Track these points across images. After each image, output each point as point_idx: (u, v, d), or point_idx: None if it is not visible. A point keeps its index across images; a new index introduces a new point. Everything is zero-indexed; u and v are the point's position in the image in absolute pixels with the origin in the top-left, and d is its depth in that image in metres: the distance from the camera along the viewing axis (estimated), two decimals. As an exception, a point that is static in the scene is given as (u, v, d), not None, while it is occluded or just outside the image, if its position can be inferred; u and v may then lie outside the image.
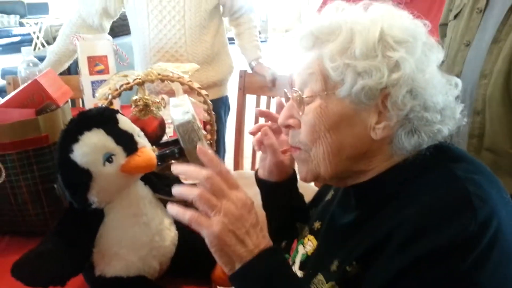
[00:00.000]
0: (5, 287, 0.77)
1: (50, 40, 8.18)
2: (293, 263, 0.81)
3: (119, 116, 0.76)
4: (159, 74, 0.98)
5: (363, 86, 0.62)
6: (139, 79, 0.97)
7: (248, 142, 2.17)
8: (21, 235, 1.00)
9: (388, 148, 0.67)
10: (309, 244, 0.81)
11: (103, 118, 0.73)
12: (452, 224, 0.56)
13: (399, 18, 0.66)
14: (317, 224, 0.82)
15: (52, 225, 0.78)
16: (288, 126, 0.72)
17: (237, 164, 2.16)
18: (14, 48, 8.20)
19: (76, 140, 0.70)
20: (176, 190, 0.63)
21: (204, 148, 0.64)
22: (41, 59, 1.92)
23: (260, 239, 0.62)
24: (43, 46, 8.06)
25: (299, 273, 0.78)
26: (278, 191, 0.90)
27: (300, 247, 0.83)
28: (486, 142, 1.04)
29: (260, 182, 0.91)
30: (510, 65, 0.97)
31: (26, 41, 8.27)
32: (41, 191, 0.98)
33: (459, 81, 0.69)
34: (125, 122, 0.76)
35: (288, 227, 0.91)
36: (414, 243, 0.57)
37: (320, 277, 0.69)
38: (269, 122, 0.89)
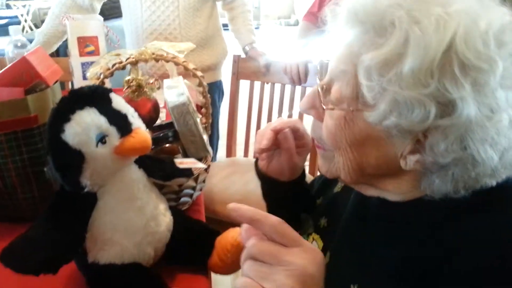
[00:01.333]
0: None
1: (38, 23, 7.99)
2: None
3: (112, 95, 0.72)
4: (153, 54, 0.94)
5: (396, 124, 0.49)
6: (133, 58, 0.93)
7: (241, 128, 2.14)
8: (9, 221, 0.97)
9: (417, 180, 0.55)
10: (314, 245, 0.73)
11: (96, 96, 0.70)
12: None
13: (486, 22, 0.46)
14: (323, 221, 0.75)
15: (42, 210, 0.75)
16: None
17: (230, 150, 2.13)
18: (1, 31, 8.02)
19: (67, 119, 0.66)
20: None
21: (237, 206, 0.50)
22: (20, 48, 1.86)
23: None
24: (31, 29, 7.88)
25: None
26: (285, 189, 0.81)
27: None
28: None
29: (265, 178, 0.81)
30: None
31: (14, 23, 8.01)
32: (30, 174, 0.95)
33: None
34: (119, 102, 0.73)
35: (291, 218, 0.85)
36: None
37: None
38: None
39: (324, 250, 0.70)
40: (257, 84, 2.04)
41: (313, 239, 0.75)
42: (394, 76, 0.47)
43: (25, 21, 7.74)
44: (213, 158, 2.20)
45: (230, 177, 1.87)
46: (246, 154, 2.12)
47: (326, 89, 0.57)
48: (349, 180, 0.60)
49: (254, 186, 1.67)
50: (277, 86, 1.98)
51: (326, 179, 0.84)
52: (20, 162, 0.93)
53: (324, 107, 0.57)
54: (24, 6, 8.08)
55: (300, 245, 0.49)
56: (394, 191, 0.58)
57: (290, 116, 1.97)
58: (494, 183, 0.52)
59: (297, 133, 0.75)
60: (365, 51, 0.49)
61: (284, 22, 9.70)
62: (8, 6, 8.23)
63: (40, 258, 0.67)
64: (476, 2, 0.48)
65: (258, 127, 2.04)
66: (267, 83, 2.02)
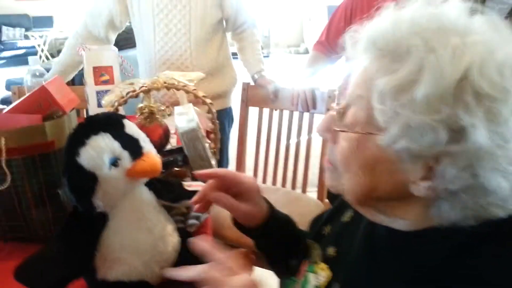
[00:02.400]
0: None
1: (54, 53, 8.27)
2: None
3: (125, 121, 0.77)
4: (165, 82, 0.99)
5: (406, 147, 0.49)
6: (145, 86, 0.98)
7: (250, 153, 2.18)
8: (24, 241, 1.00)
9: (426, 207, 0.55)
10: (321, 275, 0.72)
11: (110, 122, 0.74)
12: None
13: (505, 50, 0.47)
14: (331, 251, 0.73)
15: (55, 231, 0.79)
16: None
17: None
18: (19, 60, 8.28)
19: (83, 143, 0.71)
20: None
21: (199, 241, 0.62)
22: (38, 77, 1.94)
23: None
24: (48, 59, 8.15)
25: None
26: (260, 234, 0.81)
27: (311, 276, 0.74)
28: None
29: (240, 230, 0.83)
30: None
31: (31, 53, 8.34)
32: (45, 197, 0.99)
33: None
34: (131, 127, 0.77)
35: (292, 252, 0.83)
36: None
37: None
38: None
39: (332, 281, 0.69)
40: (266, 110, 2.09)
41: (321, 269, 0.74)
42: (407, 101, 0.48)
43: (42, 50, 8.03)
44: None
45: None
46: (254, 176, 2.15)
47: (342, 113, 0.58)
48: (355, 202, 0.60)
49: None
50: (286, 113, 2.03)
51: (335, 207, 0.82)
52: (37, 184, 0.97)
53: (339, 129, 0.58)
54: (41, 36, 8.39)
55: (238, 273, 0.59)
56: (401, 217, 0.58)
57: (298, 142, 2.00)
58: (503, 215, 0.51)
59: (227, 183, 0.76)
60: (380, 76, 0.51)
61: (293, 51, 9.86)
62: (26, 37, 8.55)
63: (51, 274, 0.70)
64: (495, 33, 0.49)
65: (267, 152, 2.08)
66: (276, 109, 2.06)
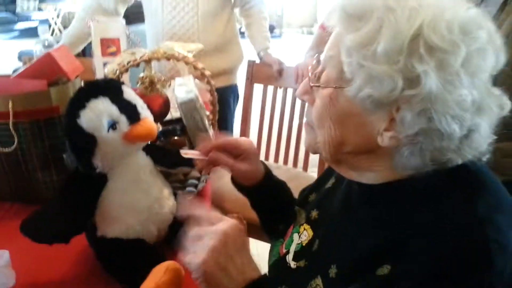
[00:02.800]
0: (16, 249, 0.82)
1: (68, 26, 8.29)
2: (288, 252, 0.79)
3: (124, 87, 0.81)
4: (165, 53, 1.02)
5: (369, 95, 0.56)
6: (146, 56, 1.01)
7: (254, 131, 2.21)
8: (29, 202, 1.06)
9: (391, 158, 0.60)
10: (304, 234, 0.79)
11: (109, 87, 0.78)
12: (468, 274, 0.52)
13: (452, 11, 0.54)
14: (314, 213, 0.80)
15: (54, 196, 0.83)
16: (303, 100, 0.70)
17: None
18: (32, 32, 8.33)
19: (83, 106, 0.75)
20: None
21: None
22: (47, 47, 1.98)
23: (245, 266, 0.63)
24: (60, 32, 8.17)
25: (293, 264, 0.76)
26: (256, 193, 0.88)
27: (295, 236, 0.81)
28: None
29: (238, 188, 0.90)
30: None
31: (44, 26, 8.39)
32: (50, 160, 1.04)
33: (507, 103, 0.59)
34: (129, 93, 0.81)
35: (282, 215, 0.90)
36: (428, 283, 0.53)
37: (318, 281, 0.67)
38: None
39: (313, 238, 0.75)
40: (270, 88, 2.11)
41: (304, 229, 0.80)
42: (369, 54, 0.54)
43: (55, 23, 8.04)
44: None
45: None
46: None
47: (318, 76, 0.65)
48: (329, 157, 0.66)
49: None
50: (290, 91, 2.05)
51: (320, 178, 0.89)
52: (42, 148, 1.02)
53: (313, 84, 0.65)
54: (55, 9, 8.40)
55: (221, 219, 0.65)
56: (370, 170, 0.64)
57: (301, 122, 2.03)
58: (459, 161, 0.57)
59: (227, 147, 0.83)
60: (347, 33, 0.57)
61: (306, 31, 9.76)
62: (39, 9, 8.57)
63: (53, 229, 0.75)
64: None
65: (270, 129, 2.11)
66: (280, 87, 2.08)
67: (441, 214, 0.56)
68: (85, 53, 2.55)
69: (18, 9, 8.55)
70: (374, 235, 0.61)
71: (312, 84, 0.65)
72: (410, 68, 0.52)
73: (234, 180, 0.88)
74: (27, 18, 8.56)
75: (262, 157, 2.15)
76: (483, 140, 0.57)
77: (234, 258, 0.63)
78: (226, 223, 0.64)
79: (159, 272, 0.71)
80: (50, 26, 8.08)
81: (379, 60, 0.54)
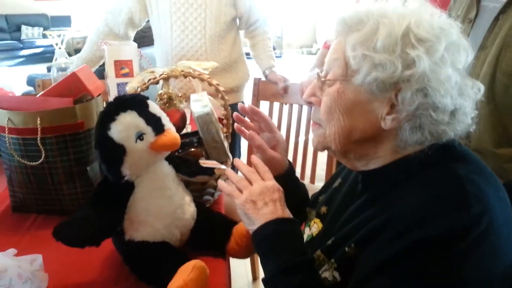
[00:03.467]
0: (47, 254, 0.87)
1: (71, 51, 8.46)
2: None
3: (149, 101, 0.88)
4: (182, 71, 1.09)
5: (375, 77, 0.67)
6: (165, 74, 1.08)
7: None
8: (54, 214, 1.11)
9: (394, 140, 0.71)
10: (314, 227, 0.89)
11: (136, 102, 0.85)
12: (447, 217, 0.61)
13: (430, 16, 0.69)
14: (323, 209, 0.90)
15: (83, 204, 0.88)
16: (310, 103, 0.80)
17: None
18: (37, 58, 8.50)
19: (113, 119, 0.81)
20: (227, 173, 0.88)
21: (240, 162, 0.87)
22: (63, 70, 2.07)
23: (278, 210, 0.78)
24: (66, 58, 8.33)
25: None
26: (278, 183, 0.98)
27: (307, 229, 0.91)
28: (473, 143, 1.11)
29: None
30: (494, 69, 1.06)
31: (49, 52, 8.57)
32: (74, 173, 1.10)
33: (481, 86, 0.72)
34: (154, 107, 0.88)
35: (296, 212, 0.96)
36: (411, 230, 0.62)
37: (318, 252, 0.78)
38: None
39: (323, 230, 0.86)
40: (276, 105, 2.18)
41: (314, 222, 0.90)
42: (371, 47, 0.68)
43: (59, 49, 8.21)
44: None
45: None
46: (264, 171, 2.24)
47: (324, 80, 0.76)
48: (338, 148, 0.76)
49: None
50: (295, 107, 2.12)
51: (328, 181, 0.99)
52: (67, 161, 1.08)
53: (322, 92, 0.76)
54: (59, 35, 8.59)
55: (268, 178, 0.82)
56: (374, 155, 0.75)
57: (307, 139, 2.09)
58: (452, 134, 0.70)
59: (268, 131, 0.99)
60: (350, 34, 0.71)
61: (306, 51, 9.93)
62: (44, 36, 8.76)
63: (85, 233, 0.81)
64: (420, 6, 0.72)
65: (276, 145, 2.17)
66: (286, 104, 2.16)
67: (426, 179, 0.68)
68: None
69: (23, 36, 8.75)
70: (371, 209, 0.72)
71: (323, 79, 0.75)
72: (405, 55, 0.66)
73: None
74: (31, 45, 8.75)
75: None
76: (468, 115, 0.70)
77: (276, 202, 0.78)
78: (268, 180, 0.81)
79: (187, 270, 0.76)
80: (54, 51, 8.26)
81: (379, 51, 0.67)
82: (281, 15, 9.44)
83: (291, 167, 1.01)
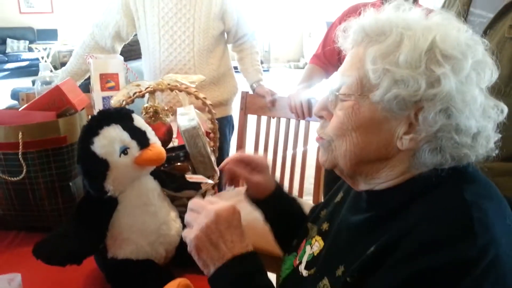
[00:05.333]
0: (27, 272, 0.84)
1: (57, 65, 8.40)
2: (300, 262, 0.84)
3: (134, 115, 0.86)
4: (168, 84, 1.08)
5: (396, 95, 0.62)
6: (151, 88, 1.07)
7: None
8: (36, 230, 1.08)
9: (410, 160, 0.66)
10: (316, 245, 0.84)
11: (120, 115, 0.83)
12: (453, 247, 0.57)
13: (456, 32, 0.64)
14: (325, 226, 0.85)
15: (66, 221, 0.86)
16: (320, 117, 0.75)
17: (237, 182, 2.23)
18: (22, 72, 8.42)
19: (96, 133, 0.79)
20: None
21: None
22: (47, 83, 2.04)
23: (235, 243, 0.69)
24: (51, 71, 8.27)
25: (305, 273, 0.80)
26: (268, 205, 0.96)
27: (308, 247, 0.86)
28: None
29: (251, 200, 0.98)
30: None
31: (34, 65, 8.49)
32: (57, 188, 1.07)
33: (505, 107, 0.67)
34: (139, 121, 0.86)
35: (294, 228, 0.95)
36: (415, 258, 0.58)
37: (325, 281, 0.71)
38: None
39: (323, 247, 0.80)
40: (264, 118, 2.17)
41: (316, 240, 0.85)
42: (393, 61, 0.62)
43: (45, 62, 8.15)
44: (223, 188, 2.30)
45: (237, 205, 1.95)
46: (252, 185, 2.22)
47: (336, 91, 0.71)
48: (347, 168, 0.71)
49: (258, 213, 1.77)
50: (283, 121, 2.11)
51: (330, 195, 0.94)
52: (49, 177, 1.05)
53: (334, 107, 0.71)
54: (45, 49, 8.53)
55: (217, 202, 0.72)
56: (385, 178, 0.69)
57: (295, 153, 2.08)
58: (473, 157, 0.65)
59: (243, 160, 0.93)
60: (370, 46, 0.66)
61: (293, 65, 10.00)
62: (30, 49, 8.69)
63: (66, 250, 0.78)
64: (445, 19, 0.67)
65: (264, 159, 2.15)
66: (273, 117, 2.14)
67: (432, 202, 0.63)
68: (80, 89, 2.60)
69: (8, 49, 8.66)
70: (377, 231, 0.66)
71: (337, 93, 0.70)
72: (430, 72, 0.61)
73: (248, 194, 0.97)
74: (17, 58, 8.67)
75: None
76: (491, 138, 0.66)
77: (224, 235, 0.69)
78: (222, 204, 0.71)
79: (171, 289, 0.74)
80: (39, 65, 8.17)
81: (402, 66, 0.62)
82: (268, 29, 9.52)
83: (278, 184, 0.98)
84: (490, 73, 0.65)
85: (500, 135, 0.67)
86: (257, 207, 0.98)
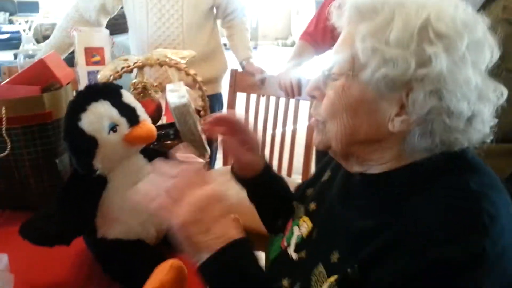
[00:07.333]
0: (13, 253, 0.82)
1: (39, 38, 8.17)
2: (288, 245, 0.81)
3: (123, 91, 0.83)
4: (157, 59, 1.04)
5: (384, 74, 0.60)
6: (139, 62, 1.03)
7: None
8: (21, 209, 1.05)
9: (401, 145, 0.64)
10: (304, 226, 0.82)
11: (108, 91, 0.80)
12: (465, 238, 0.55)
13: (454, 9, 0.61)
14: (312, 205, 0.83)
15: (51, 200, 0.83)
16: (313, 97, 0.73)
17: (226, 160, 2.22)
18: (3, 45, 8.16)
19: (84, 109, 0.76)
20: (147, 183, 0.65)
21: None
22: (30, 57, 1.97)
23: (230, 227, 0.63)
24: (33, 44, 8.06)
25: (294, 256, 0.78)
26: (255, 184, 0.91)
27: (295, 229, 0.83)
28: None
29: (236, 179, 0.93)
30: None
31: (15, 38, 8.24)
32: (42, 166, 1.04)
33: (505, 90, 0.64)
34: (128, 97, 0.83)
35: (280, 207, 0.92)
36: (426, 250, 0.56)
37: (320, 268, 0.69)
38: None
39: (312, 229, 0.78)
40: (253, 96, 2.14)
41: (303, 221, 0.82)
42: (383, 39, 0.60)
43: (27, 35, 7.91)
44: (212, 167, 2.28)
45: (226, 184, 1.95)
46: (241, 163, 2.21)
47: (328, 70, 0.68)
48: (339, 148, 0.69)
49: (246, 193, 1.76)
50: (272, 99, 2.09)
51: (316, 173, 0.92)
52: (34, 154, 1.02)
53: (325, 87, 0.68)
54: (26, 21, 8.27)
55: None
56: (377, 161, 0.67)
57: (284, 131, 2.06)
58: (466, 143, 0.62)
59: (236, 126, 0.85)
60: (361, 22, 0.63)
61: (281, 43, 9.92)
62: (10, 22, 8.43)
63: (54, 231, 0.76)
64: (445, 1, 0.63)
65: (253, 137, 2.13)
66: (263, 95, 2.12)
67: (437, 192, 0.60)
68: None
69: (-13, 22, 8.41)
70: (373, 217, 0.64)
71: (327, 73, 0.68)
72: (421, 51, 0.58)
73: (234, 171, 0.91)
74: (-3, 31, 8.42)
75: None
76: (486, 123, 0.63)
77: (218, 218, 0.62)
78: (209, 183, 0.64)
79: (163, 270, 0.72)
80: (21, 38, 7.95)
81: (392, 44, 0.59)
82: (256, 6, 9.38)
83: (266, 164, 0.93)
84: (490, 53, 0.62)
85: (496, 120, 0.65)
86: (242, 185, 0.93)
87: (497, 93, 0.63)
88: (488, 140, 0.64)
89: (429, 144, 0.62)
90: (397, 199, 0.63)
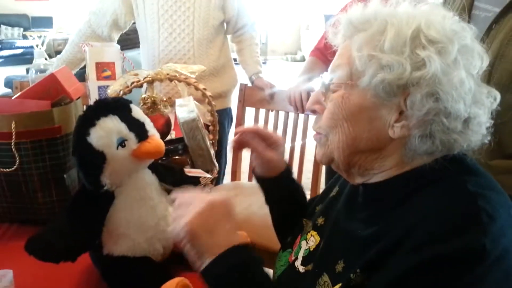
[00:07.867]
0: (18, 269, 0.81)
1: (52, 53, 8.31)
2: (296, 258, 0.82)
3: (132, 106, 0.82)
4: (167, 74, 1.04)
5: (382, 79, 0.62)
6: (149, 77, 1.03)
7: (247, 154, 2.21)
8: (28, 223, 1.05)
9: (401, 151, 0.66)
10: (311, 240, 0.83)
11: (118, 106, 0.79)
12: (463, 236, 0.56)
13: (442, 19, 0.65)
14: (320, 220, 0.84)
15: (59, 215, 0.82)
16: (314, 111, 0.74)
17: (235, 175, 2.21)
18: (16, 60, 8.31)
19: (93, 124, 0.76)
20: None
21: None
22: (41, 71, 1.99)
23: (232, 232, 0.66)
24: (45, 59, 8.17)
25: (301, 269, 0.78)
26: (274, 185, 0.94)
27: (303, 243, 0.84)
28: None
29: (257, 179, 0.96)
30: (487, 80, 1.03)
31: (29, 53, 8.39)
32: (51, 180, 1.03)
33: (498, 94, 0.67)
34: (137, 112, 0.82)
35: (293, 222, 0.93)
36: (425, 248, 0.57)
37: (325, 277, 0.70)
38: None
39: (319, 243, 0.79)
40: (262, 111, 2.14)
41: (311, 235, 0.83)
42: (378, 47, 0.63)
43: (39, 49, 8.05)
44: (220, 182, 2.27)
45: (234, 199, 1.93)
46: (250, 179, 2.19)
47: (328, 86, 0.71)
48: (342, 159, 0.70)
49: (256, 208, 1.73)
50: (281, 114, 2.08)
51: (325, 190, 0.93)
52: (43, 168, 1.02)
53: (325, 99, 0.71)
54: (39, 36, 8.42)
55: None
56: (379, 169, 0.69)
57: (293, 146, 2.05)
58: (465, 145, 0.64)
59: (260, 134, 0.91)
60: (356, 34, 0.66)
61: (290, 58, 9.95)
62: (24, 37, 8.58)
63: (60, 247, 0.75)
64: (432, 8, 0.68)
65: (262, 152, 2.12)
66: (272, 110, 2.11)
67: (436, 194, 0.62)
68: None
69: (2, 37, 8.56)
70: (375, 225, 0.65)
71: (327, 84, 0.70)
72: (415, 55, 0.61)
73: (256, 170, 0.94)
74: (11, 46, 8.56)
75: (255, 180, 2.14)
76: (483, 125, 0.65)
77: (222, 222, 0.65)
78: (215, 195, 0.68)
79: (170, 288, 0.71)
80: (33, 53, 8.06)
81: (387, 51, 0.62)
82: (266, 21, 9.45)
83: (288, 167, 0.95)
84: (480, 59, 0.65)
85: (492, 122, 0.67)
86: (261, 185, 0.95)
87: (490, 98, 0.66)
88: (486, 141, 0.66)
89: (429, 147, 0.63)
90: (397, 204, 0.65)
